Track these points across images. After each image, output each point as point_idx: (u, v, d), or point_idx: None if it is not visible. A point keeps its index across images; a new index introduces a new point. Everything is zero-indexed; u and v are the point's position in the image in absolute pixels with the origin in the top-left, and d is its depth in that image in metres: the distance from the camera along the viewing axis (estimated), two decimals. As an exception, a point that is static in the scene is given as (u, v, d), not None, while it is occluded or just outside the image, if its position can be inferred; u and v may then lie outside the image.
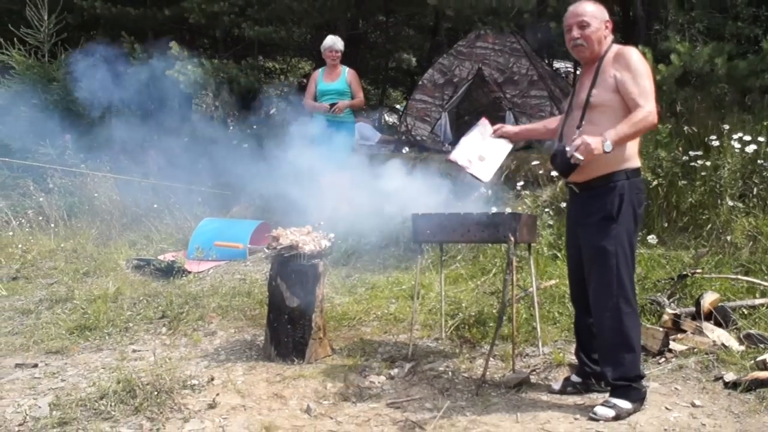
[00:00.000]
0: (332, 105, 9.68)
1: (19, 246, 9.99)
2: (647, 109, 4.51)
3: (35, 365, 6.05)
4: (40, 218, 11.44)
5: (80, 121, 13.34)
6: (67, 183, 12.33)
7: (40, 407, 4.97)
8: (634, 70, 4.60)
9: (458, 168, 5.68)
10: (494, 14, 10.85)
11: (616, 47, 4.79)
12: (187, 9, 14.27)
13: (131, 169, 12.40)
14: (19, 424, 4.74)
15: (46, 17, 13.98)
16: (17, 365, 6.06)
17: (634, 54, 4.68)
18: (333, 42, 9.85)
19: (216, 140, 11.41)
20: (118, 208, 11.62)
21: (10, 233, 10.84)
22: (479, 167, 5.58)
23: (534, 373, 5.51)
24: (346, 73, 9.91)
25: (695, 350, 5.51)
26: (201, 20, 14.32)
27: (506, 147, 5.69)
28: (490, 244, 7.77)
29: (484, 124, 5.70)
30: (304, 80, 11.92)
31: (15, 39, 13.89)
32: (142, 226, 11.02)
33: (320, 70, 10.15)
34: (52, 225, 11.10)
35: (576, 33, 4.79)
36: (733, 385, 4.94)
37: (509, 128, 5.77)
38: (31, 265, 9.45)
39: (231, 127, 11.61)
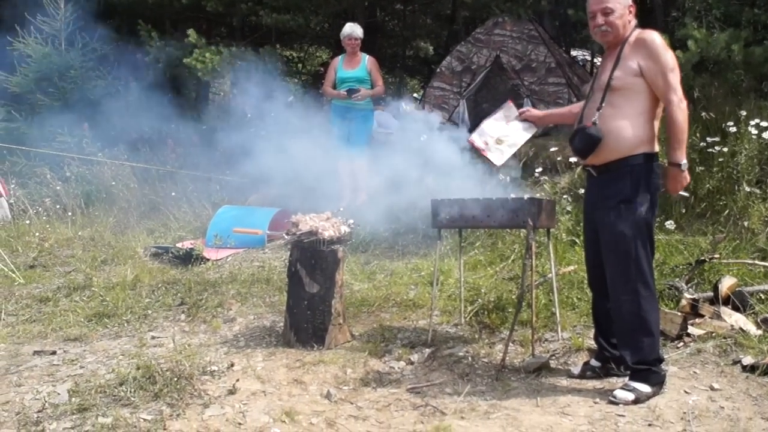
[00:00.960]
0: (350, 91, 9.66)
1: (37, 234, 10.01)
2: (676, 102, 4.57)
3: (54, 352, 6.08)
4: (58, 207, 11.47)
5: (98, 109, 13.36)
6: (85, 171, 12.34)
7: (59, 394, 4.99)
8: (658, 59, 4.61)
9: (475, 149, 5.72)
10: (512, 1, 10.84)
11: (638, 31, 4.78)
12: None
13: (149, 157, 12.43)
14: (38, 411, 4.77)
15: (62, 5, 13.98)
16: (36, 352, 6.10)
17: (657, 39, 4.66)
18: (352, 30, 9.84)
19: (233, 127, 11.42)
20: (136, 196, 11.65)
21: (27, 222, 10.87)
22: (495, 151, 5.62)
23: (553, 357, 5.51)
24: (366, 60, 9.91)
25: (713, 335, 5.50)
26: (218, 8, 14.32)
27: (528, 131, 5.73)
28: (509, 230, 7.77)
29: (509, 107, 5.74)
30: (321, 69, 11.92)
31: (32, 27, 13.90)
32: (160, 214, 11.03)
33: (340, 57, 10.13)
34: (70, 213, 11.13)
35: (600, 20, 4.79)
36: (751, 369, 4.95)
37: (535, 112, 5.80)
38: (48, 254, 9.46)
39: (249, 115, 11.58)
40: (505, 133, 5.64)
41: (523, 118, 5.69)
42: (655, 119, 4.72)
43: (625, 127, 4.68)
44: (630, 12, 4.83)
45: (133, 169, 12.08)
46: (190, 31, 12.54)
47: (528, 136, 5.75)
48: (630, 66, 4.68)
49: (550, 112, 6.17)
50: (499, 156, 5.66)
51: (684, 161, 4.55)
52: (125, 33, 13.56)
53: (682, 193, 4.84)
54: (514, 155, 5.92)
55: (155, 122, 12.73)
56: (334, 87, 9.92)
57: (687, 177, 4.61)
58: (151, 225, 10.76)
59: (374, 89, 9.84)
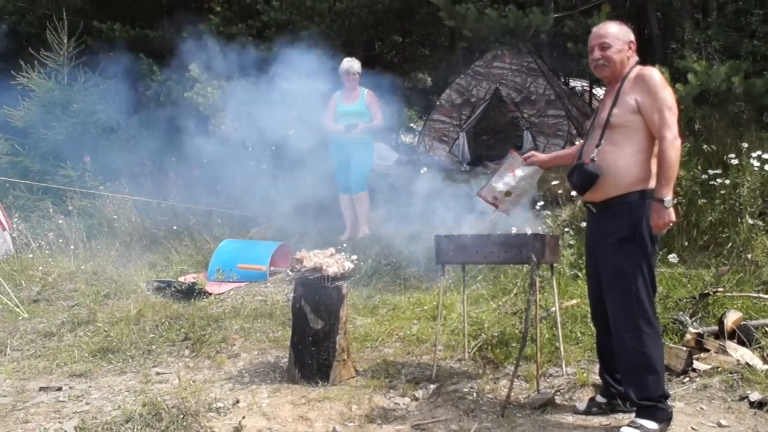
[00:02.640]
0: (348, 126, 9.69)
1: (40, 268, 10.03)
2: (670, 140, 4.55)
3: (59, 388, 6.08)
4: (60, 240, 11.47)
5: (99, 143, 13.42)
6: (87, 205, 12.40)
7: (65, 431, 5.00)
8: (655, 95, 4.63)
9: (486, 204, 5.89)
10: (511, 34, 10.89)
11: (638, 68, 4.82)
12: (205, 31, 14.35)
13: (150, 191, 12.46)
14: (46, 449, 4.78)
15: (65, 40, 14.08)
16: (41, 388, 6.09)
17: (655, 76, 4.69)
18: (350, 65, 9.88)
19: (235, 162, 11.47)
20: (138, 230, 11.66)
21: (30, 255, 10.87)
22: (505, 204, 5.77)
23: (558, 393, 5.50)
24: (365, 94, 9.94)
25: (719, 369, 5.50)
26: (220, 42, 14.39)
27: (535, 176, 5.84)
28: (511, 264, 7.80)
29: (513, 156, 5.83)
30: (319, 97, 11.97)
31: (35, 62, 13.99)
32: (162, 247, 11.05)
33: (339, 92, 10.17)
34: (72, 247, 11.13)
35: (597, 54, 4.84)
36: (759, 405, 4.94)
37: (540, 156, 5.83)
38: (51, 288, 9.47)
39: (250, 149, 11.63)
40: (512, 184, 5.72)
41: (529, 163, 5.74)
42: (653, 157, 4.74)
43: (624, 165, 4.70)
44: (630, 48, 4.87)
45: (134, 202, 12.11)
46: (192, 66, 12.59)
47: (539, 174, 5.84)
48: (628, 102, 4.70)
49: (556, 155, 6.17)
50: (510, 208, 5.78)
51: (668, 198, 4.52)
52: (127, 67, 13.61)
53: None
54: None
55: (156, 156, 12.79)
56: (335, 121, 9.95)
57: (671, 214, 4.57)
58: (153, 258, 10.77)
59: (373, 123, 9.85)
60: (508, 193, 5.73)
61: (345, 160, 9.92)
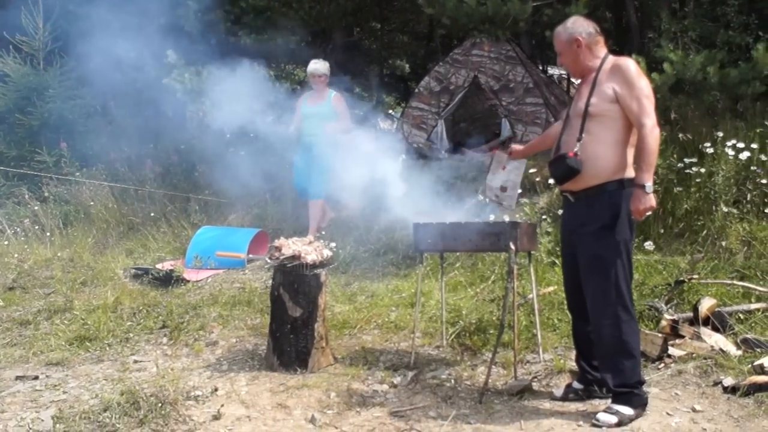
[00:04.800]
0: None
1: (15, 255, 9.96)
2: (649, 127, 4.61)
3: (36, 377, 6.07)
4: (36, 227, 11.39)
5: (76, 128, 13.31)
6: (63, 191, 12.30)
7: (42, 420, 4.98)
8: (632, 85, 4.69)
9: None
10: (490, 22, 10.87)
11: (612, 58, 4.87)
12: (182, 17, 14.27)
13: (127, 177, 12.39)
14: (23, 439, 4.77)
15: (41, 25, 13.96)
16: (18, 377, 6.08)
17: (631, 66, 4.74)
18: (315, 67, 9.63)
19: (212, 148, 11.41)
20: (115, 217, 11.59)
21: (6, 242, 10.81)
22: (505, 199, 6.11)
23: (536, 380, 5.55)
24: (332, 97, 9.68)
25: (694, 355, 5.57)
26: (197, 29, 14.30)
27: (521, 167, 6.17)
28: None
29: (499, 155, 6.28)
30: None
31: (11, 46, 13.86)
32: (139, 234, 10.98)
33: (306, 94, 9.99)
34: (48, 234, 11.07)
35: (559, 60, 5.10)
36: (732, 390, 5.00)
37: (519, 148, 6.00)
38: (27, 275, 9.41)
39: (228, 135, 11.58)
40: (505, 179, 5.98)
41: (513, 158, 5.99)
42: (629, 147, 4.77)
43: (602, 155, 4.74)
44: (579, 45, 4.92)
45: (111, 189, 12.03)
46: (169, 52, 12.51)
47: (524, 165, 6.22)
48: (605, 92, 4.74)
49: (531, 144, 6.22)
50: (510, 200, 6.12)
51: (648, 183, 4.57)
52: (104, 52, 13.50)
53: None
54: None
55: (134, 142, 12.71)
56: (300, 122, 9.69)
57: (652, 200, 4.61)
58: (130, 245, 10.70)
59: (339, 125, 9.51)
60: (503, 188, 5.93)
61: (308, 161, 9.61)
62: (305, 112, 9.70)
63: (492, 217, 7.02)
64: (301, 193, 9.96)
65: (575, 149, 4.78)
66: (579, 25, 4.96)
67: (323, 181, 9.31)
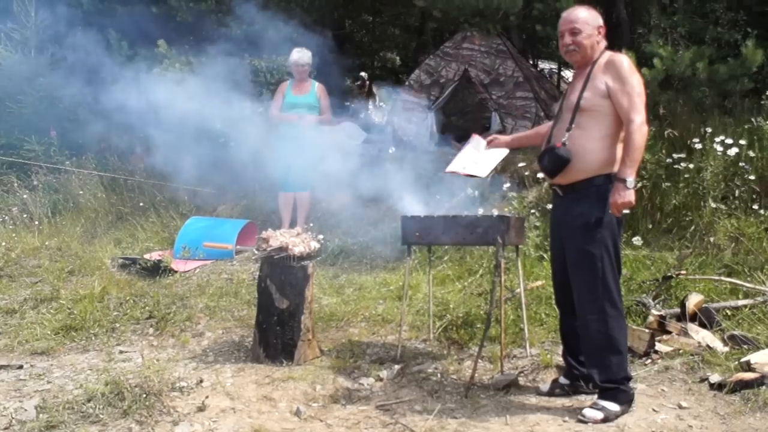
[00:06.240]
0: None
1: (2, 244, 9.88)
2: (638, 123, 4.59)
3: (20, 366, 6.03)
4: (24, 215, 11.34)
5: (66, 117, 13.25)
6: (52, 180, 12.25)
7: (26, 410, 4.96)
8: (625, 81, 4.67)
9: (456, 176, 5.92)
10: (481, 16, 10.87)
11: (608, 54, 4.86)
12: (174, 7, 14.22)
13: (117, 166, 12.34)
14: (5, 428, 4.73)
15: (33, 13, 13.88)
16: (2, 366, 6.03)
17: (625, 62, 4.74)
18: (299, 56, 9.52)
19: (202, 138, 11.36)
20: (104, 206, 11.55)
21: (-6, 231, 10.77)
22: (475, 168, 5.69)
23: (522, 374, 5.55)
24: (316, 87, 9.62)
25: (681, 351, 5.58)
26: (188, 19, 14.27)
27: (501, 153, 5.83)
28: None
29: (476, 139, 5.85)
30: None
31: (1, 34, 13.77)
32: (128, 224, 10.95)
33: (288, 81, 9.88)
34: (36, 222, 11.01)
35: (568, 39, 4.87)
36: (719, 387, 5.01)
37: (502, 138, 5.87)
38: (14, 264, 9.33)
39: (218, 125, 11.53)
40: (479, 157, 5.72)
41: (492, 146, 5.78)
42: (619, 142, 4.76)
43: (591, 149, 4.73)
44: (599, 33, 4.89)
45: (100, 178, 11.99)
46: (160, 42, 12.47)
47: (504, 153, 5.85)
48: (598, 87, 4.74)
49: (518, 136, 6.22)
50: (482, 169, 5.74)
51: (630, 179, 4.54)
52: (95, 41, 13.43)
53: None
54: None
55: (123, 131, 12.65)
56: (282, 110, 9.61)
57: (631, 196, 4.59)
58: (119, 235, 10.67)
59: (322, 117, 9.50)
60: (475, 163, 5.72)
61: (290, 154, 9.36)
62: (290, 101, 9.59)
63: (481, 211, 7.01)
64: (284, 186, 9.80)
65: (563, 139, 4.77)
66: (598, 16, 4.95)
67: (308, 171, 9.30)
